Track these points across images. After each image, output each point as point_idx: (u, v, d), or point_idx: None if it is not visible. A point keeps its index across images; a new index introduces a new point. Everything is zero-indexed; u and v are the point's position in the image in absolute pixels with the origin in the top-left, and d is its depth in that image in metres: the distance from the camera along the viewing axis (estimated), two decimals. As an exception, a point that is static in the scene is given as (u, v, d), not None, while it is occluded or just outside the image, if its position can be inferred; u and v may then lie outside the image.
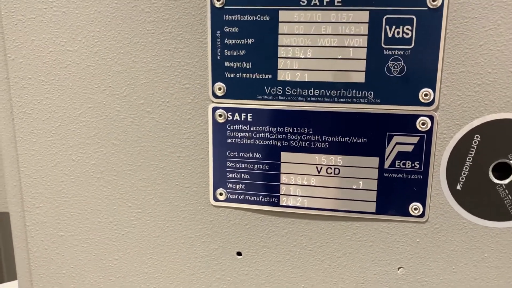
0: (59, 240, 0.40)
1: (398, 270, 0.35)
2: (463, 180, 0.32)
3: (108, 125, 0.36)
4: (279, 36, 0.33)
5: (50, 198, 0.39)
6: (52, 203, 0.39)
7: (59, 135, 0.37)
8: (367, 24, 0.32)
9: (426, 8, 0.31)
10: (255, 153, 0.35)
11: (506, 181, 0.32)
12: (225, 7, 0.33)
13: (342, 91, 0.33)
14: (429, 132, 0.32)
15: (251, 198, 0.36)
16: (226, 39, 0.34)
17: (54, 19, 0.35)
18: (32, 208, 0.39)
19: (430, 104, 0.32)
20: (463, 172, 0.32)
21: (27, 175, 0.39)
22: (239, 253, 0.37)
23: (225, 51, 0.34)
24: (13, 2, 0.36)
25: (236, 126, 0.35)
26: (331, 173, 0.34)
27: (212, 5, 0.33)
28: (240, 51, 0.34)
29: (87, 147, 0.37)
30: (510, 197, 0.32)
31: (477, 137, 0.32)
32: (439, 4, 0.30)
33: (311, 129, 0.34)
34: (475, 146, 0.32)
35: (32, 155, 0.38)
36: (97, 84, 0.36)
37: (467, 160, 0.32)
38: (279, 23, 0.33)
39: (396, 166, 0.33)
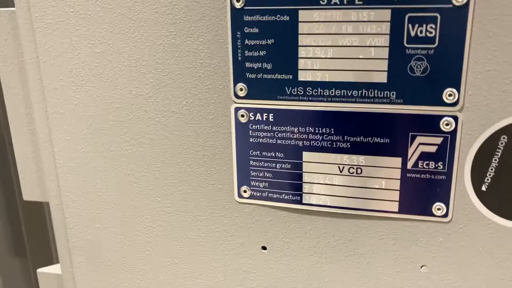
0: (95, 232, 0.42)
1: (421, 268, 0.35)
2: (488, 181, 0.32)
3: (136, 125, 0.38)
4: (299, 36, 0.33)
5: (85, 193, 0.41)
6: (87, 197, 0.41)
7: (91, 134, 0.39)
8: (389, 23, 0.31)
9: (451, 6, 0.29)
10: (277, 153, 0.35)
11: (535, 182, 0.31)
12: (245, 7, 0.33)
13: (363, 91, 0.32)
14: (453, 132, 0.32)
15: (275, 196, 0.36)
16: (247, 40, 0.34)
17: (81, 22, 0.36)
18: (69, 201, 0.42)
19: (454, 104, 0.31)
20: (489, 173, 0.32)
21: (64, 171, 0.41)
22: (264, 248, 0.38)
23: (246, 51, 0.34)
24: (42, 6, 0.37)
25: (258, 126, 0.35)
26: (353, 172, 0.34)
27: (232, 6, 0.33)
28: (260, 52, 0.34)
29: (117, 145, 0.39)
30: (539, 198, 0.31)
31: (503, 138, 0.31)
32: (465, 1, 0.29)
33: (332, 129, 0.34)
34: (502, 148, 0.31)
35: (67, 152, 0.40)
36: (124, 85, 0.37)
37: (493, 161, 0.31)
38: (299, 23, 0.32)
39: (419, 166, 0.33)
